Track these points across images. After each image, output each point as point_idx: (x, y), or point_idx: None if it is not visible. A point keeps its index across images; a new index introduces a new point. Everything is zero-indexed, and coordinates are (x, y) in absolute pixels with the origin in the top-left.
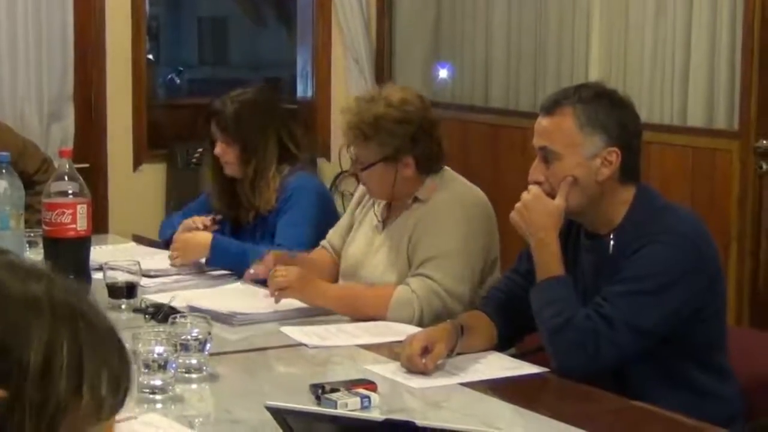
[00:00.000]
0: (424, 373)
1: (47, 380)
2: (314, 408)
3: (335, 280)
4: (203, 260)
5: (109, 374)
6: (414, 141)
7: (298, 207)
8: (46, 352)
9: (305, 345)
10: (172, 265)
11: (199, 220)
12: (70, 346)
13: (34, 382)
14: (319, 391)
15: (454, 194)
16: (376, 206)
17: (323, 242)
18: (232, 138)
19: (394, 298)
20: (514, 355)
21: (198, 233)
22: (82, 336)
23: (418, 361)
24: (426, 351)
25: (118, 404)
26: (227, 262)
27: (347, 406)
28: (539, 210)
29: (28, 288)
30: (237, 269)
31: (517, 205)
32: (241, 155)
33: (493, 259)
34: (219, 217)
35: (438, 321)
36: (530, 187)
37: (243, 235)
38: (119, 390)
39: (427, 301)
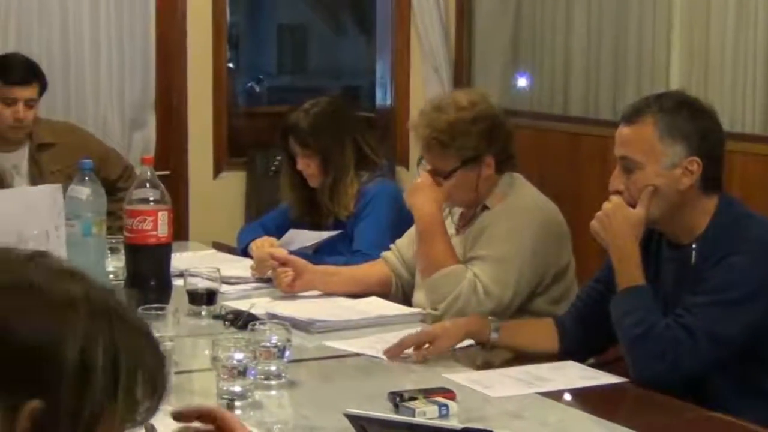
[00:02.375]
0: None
1: (83, 385)
2: (392, 416)
3: (383, 294)
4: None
5: (145, 376)
6: (490, 138)
7: (376, 212)
8: (82, 354)
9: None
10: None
11: (267, 244)
12: (106, 348)
13: (70, 388)
14: (397, 399)
15: (522, 203)
16: (452, 215)
17: (386, 253)
18: (312, 150)
19: (452, 268)
20: (592, 365)
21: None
22: (118, 336)
23: (397, 348)
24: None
25: (155, 407)
26: None
27: (425, 414)
28: (620, 219)
29: (65, 289)
30: None
31: (598, 214)
32: (321, 165)
33: (560, 270)
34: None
35: (462, 315)
36: (611, 196)
37: (322, 241)
38: (155, 392)
39: (466, 295)
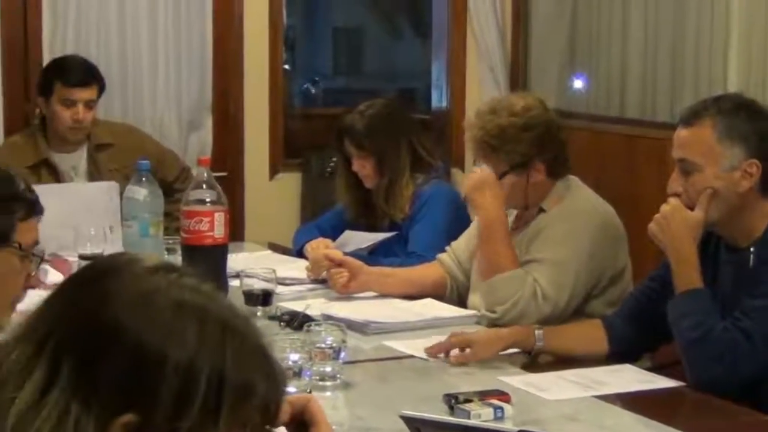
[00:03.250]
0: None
1: (182, 402)
2: (448, 418)
3: (438, 296)
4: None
5: (255, 401)
6: (541, 146)
7: (431, 214)
8: (186, 367)
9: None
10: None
11: (323, 245)
12: (213, 365)
13: (168, 403)
14: (453, 401)
15: (579, 205)
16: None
17: (441, 255)
18: (367, 152)
19: (514, 272)
20: (649, 368)
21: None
22: (230, 355)
23: (439, 346)
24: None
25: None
26: None
27: (480, 416)
28: (678, 222)
29: (182, 299)
30: None
31: (656, 216)
32: (376, 167)
33: (616, 272)
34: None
35: (520, 320)
36: (670, 199)
37: (377, 243)
38: (267, 421)
39: (526, 300)
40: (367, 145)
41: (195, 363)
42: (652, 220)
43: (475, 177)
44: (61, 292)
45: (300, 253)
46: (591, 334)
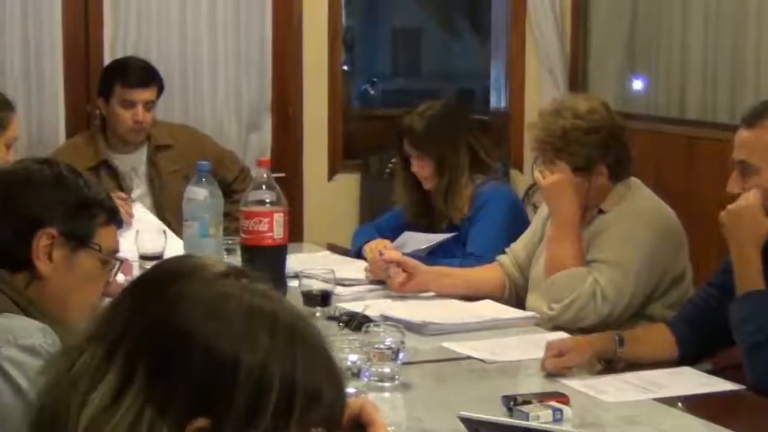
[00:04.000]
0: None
1: (255, 408)
2: (506, 419)
3: (497, 297)
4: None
5: (322, 410)
6: (605, 149)
7: (490, 216)
8: (259, 372)
9: (482, 360)
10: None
11: (381, 246)
12: (284, 371)
13: (241, 408)
14: (511, 402)
15: (639, 207)
16: None
17: (501, 257)
18: (426, 153)
19: (575, 270)
20: (709, 371)
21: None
22: (300, 362)
23: (548, 363)
24: (560, 356)
25: None
26: None
27: (539, 418)
28: (749, 220)
29: (254, 305)
30: None
31: (731, 207)
32: (435, 168)
33: (677, 275)
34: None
35: (577, 318)
36: (748, 193)
37: (435, 244)
38: (330, 427)
39: (584, 299)
40: (425, 146)
41: (267, 368)
42: (725, 209)
43: (552, 177)
44: (131, 293)
45: (359, 254)
46: (663, 340)
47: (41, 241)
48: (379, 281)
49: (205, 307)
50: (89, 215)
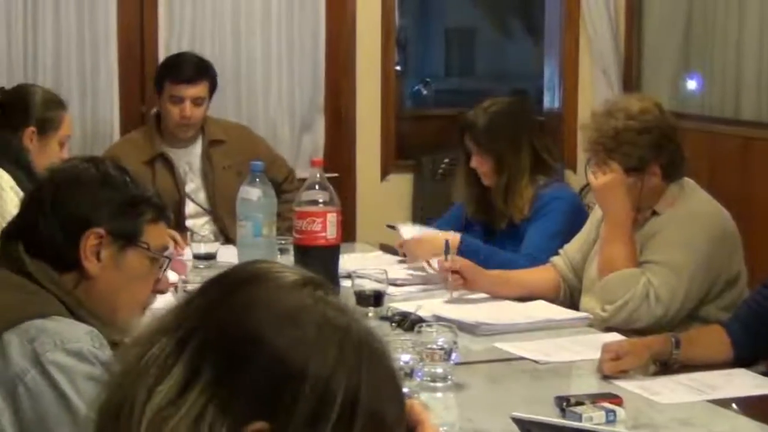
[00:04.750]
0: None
1: (317, 418)
2: (559, 420)
3: (551, 299)
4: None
5: (383, 428)
6: (657, 149)
7: (550, 217)
8: (325, 383)
9: (535, 361)
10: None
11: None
12: (350, 384)
13: (303, 417)
14: (564, 403)
15: (694, 208)
16: None
17: (555, 258)
18: (486, 149)
19: (627, 271)
20: (764, 373)
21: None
22: (366, 377)
23: (605, 366)
24: (616, 359)
25: None
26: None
27: (592, 419)
28: None
29: (326, 315)
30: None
31: None
32: (495, 166)
33: (732, 277)
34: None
35: (630, 320)
36: None
37: (494, 242)
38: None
39: (637, 300)
40: (486, 143)
41: (333, 381)
42: None
43: (604, 178)
44: (207, 291)
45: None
46: (718, 342)
47: (89, 241)
48: (432, 281)
49: (278, 314)
50: (136, 213)
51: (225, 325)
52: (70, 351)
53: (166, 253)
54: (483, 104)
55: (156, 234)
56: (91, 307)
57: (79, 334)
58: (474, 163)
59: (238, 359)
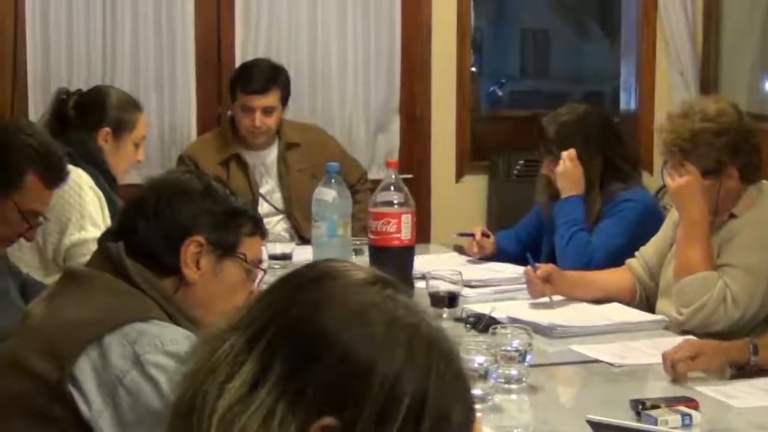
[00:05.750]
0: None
1: (384, 416)
2: (634, 424)
3: (627, 302)
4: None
5: (449, 430)
6: (734, 151)
7: (620, 217)
8: (394, 381)
9: (610, 364)
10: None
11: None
12: (418, 384)
13: (371, 413)
14: (640, 406)
15: None
16: None
17: (630, 260)
18: (555, 158)
19: (704, 274)
20: None
21: None
22: (434, 377)
23: (676, 367)
24: (694, 357)
25: None
26: None
27: (668, 423)
28: None
29: (396, 314)
30: None
31: None
32: None
33: None
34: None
35: (707, 323)
36: None
37: None
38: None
39: (714, 303)
40: (554, 151)
41: (401, 380)
42: None
43: (680, 180)
44: (278, 289)
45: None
46: None
47: (190, 249)
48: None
49: (348, 312)
50: (236, 225)
51: (294, 323)
52: (169, 353)
53: (261, 266)
54: (558, 110)
55: (253, 246)
56: (188, 313)
57: (178, 337)
58: (544, 169)
59: (307, 356)
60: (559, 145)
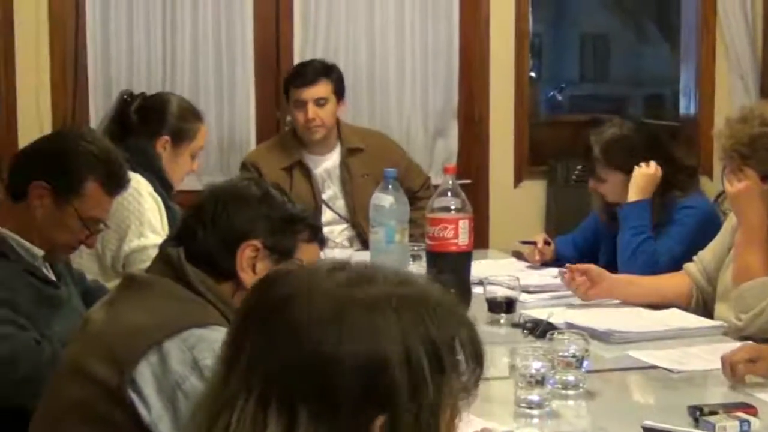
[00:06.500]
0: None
1: (417, 385)
2: (692, 430)
3: (683, 306)
4: None
5: (467, 351)
6: None
7: (680, 224)
8: (406, 356)
9: (668, 370)
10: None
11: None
12: (424, 341)
13: (406, 392)
14: (697, 413)
15: None
16: None
17: (688, 265)
18: (596, 177)
19: (762, 280)
20: None
21: None
22: (431, 325)
23: (735, 369)
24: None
25: (481, 372)
26: None
27: (726, 429)
28: None
29: (369, 296)
30: None
31: None
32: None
33: None
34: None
35: (764, 329)
36: None
37: None
38: (479, 361)
39: None
40: (601, 166)
41: (410, 346)
42: None
43: (739, 185)
44: (254, 332)
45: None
46: None
47: (246, 253)
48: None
49: (329, 326)
50: (293, 231)
51: (291, 362)
52: None
53: None
54: (604, 125)
55: (310, 253)
56: None
57: None
58: (591, 184)
59: (322, 387)
60: (608, 162)
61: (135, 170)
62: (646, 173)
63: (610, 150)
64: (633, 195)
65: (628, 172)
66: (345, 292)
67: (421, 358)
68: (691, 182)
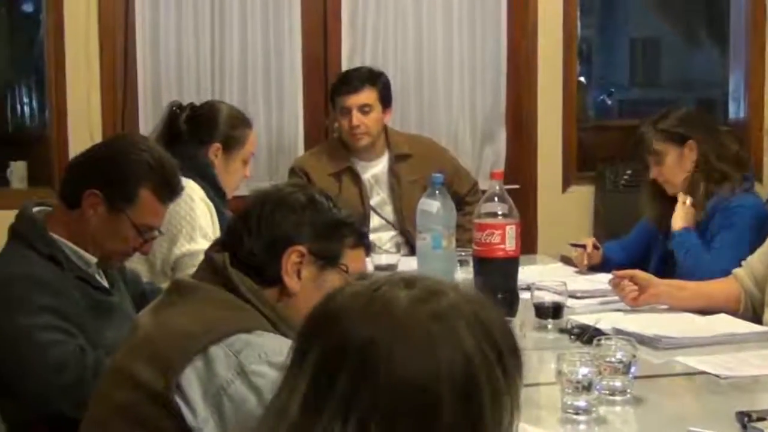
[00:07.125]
0: None
1: (467, 400)
2: None
3: (732, 311)
4: None
5: (512, 361)
6: None
7: (732, 227)
8: (485, 362)
9: (716, 376)
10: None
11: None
12: (494, 350)
13: (455, 407)
14: (746, 419)
15: None
16: None
17: (737, 270)
18: (656, 159)
19: None
20: None
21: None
22: (496, 334)
23: None
24: None
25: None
26: None
27: None
28: None
29: (422, 311)
30: None
31: None
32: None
33: None
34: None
35: None
36: None
37: None
38: (519, 366)
39: None
40: (654, 147)
41: (487, 357)
42: None
43: None
44: (340, 368)
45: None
46: None
47: (291, 258)
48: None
49: (418, 348)
50: (339, 236)
51: (376, 388)
52: (273, 364)
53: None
54: (654, 116)
55: (355, 259)
56: (291, 323)
57: (282, 348)
58: (652, 173)
59: (392, 410)
60: (656, 137)
61: (186, 176)
62: (685, 207)
63: (659, 121)
64: (676, 226)
65: (681, 143)
66: (404, 304)
67: (494, 364)
68: (736, 177)
